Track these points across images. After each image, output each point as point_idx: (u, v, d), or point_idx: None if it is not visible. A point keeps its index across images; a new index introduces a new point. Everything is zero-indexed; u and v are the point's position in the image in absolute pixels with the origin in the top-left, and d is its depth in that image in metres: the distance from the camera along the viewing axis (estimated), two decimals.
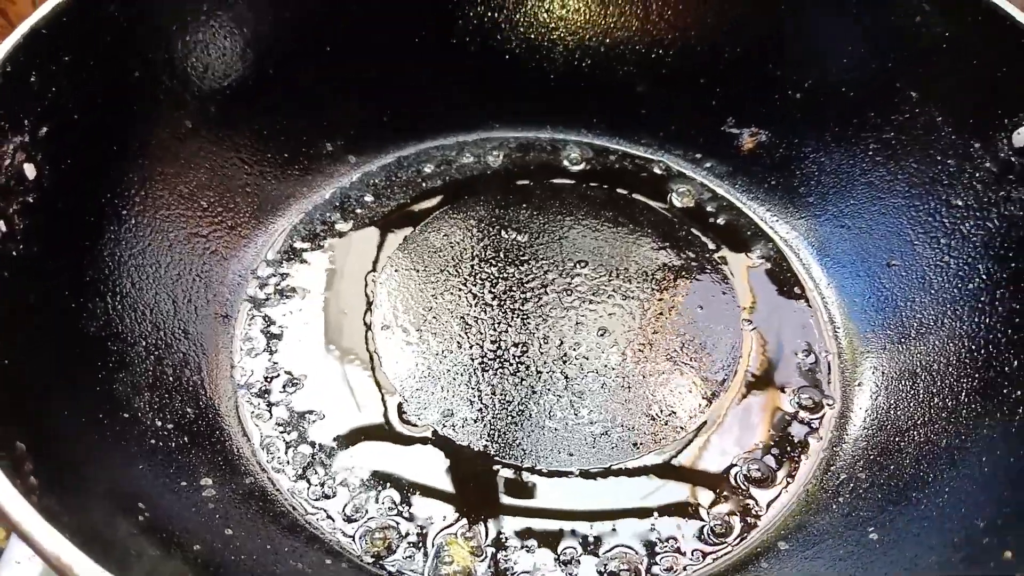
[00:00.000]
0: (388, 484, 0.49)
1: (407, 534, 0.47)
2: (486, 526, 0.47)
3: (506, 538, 0.47)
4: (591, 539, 0.47)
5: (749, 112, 0.66)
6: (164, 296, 0.51)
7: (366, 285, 0.59)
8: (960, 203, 0.54)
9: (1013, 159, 0.50)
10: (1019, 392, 0.45)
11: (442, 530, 0.47)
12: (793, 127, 0.65)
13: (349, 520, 0.47)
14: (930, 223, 0.56)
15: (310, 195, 0.64)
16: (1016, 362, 0.47)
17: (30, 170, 0.43)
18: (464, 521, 0.47)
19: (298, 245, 0.61)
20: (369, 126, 0.66)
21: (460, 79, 0.68)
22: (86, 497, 0.36)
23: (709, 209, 0.66)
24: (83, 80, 0.47)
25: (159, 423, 0.46)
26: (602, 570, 0.46)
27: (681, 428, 0.53)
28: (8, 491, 0.30)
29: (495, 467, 0.50)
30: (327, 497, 0.48)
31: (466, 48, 0.67)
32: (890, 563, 0.42)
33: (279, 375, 0.53)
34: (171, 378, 0.49)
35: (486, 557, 0.46)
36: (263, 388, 0.52)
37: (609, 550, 0.47)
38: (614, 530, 0.48)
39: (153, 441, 0.44)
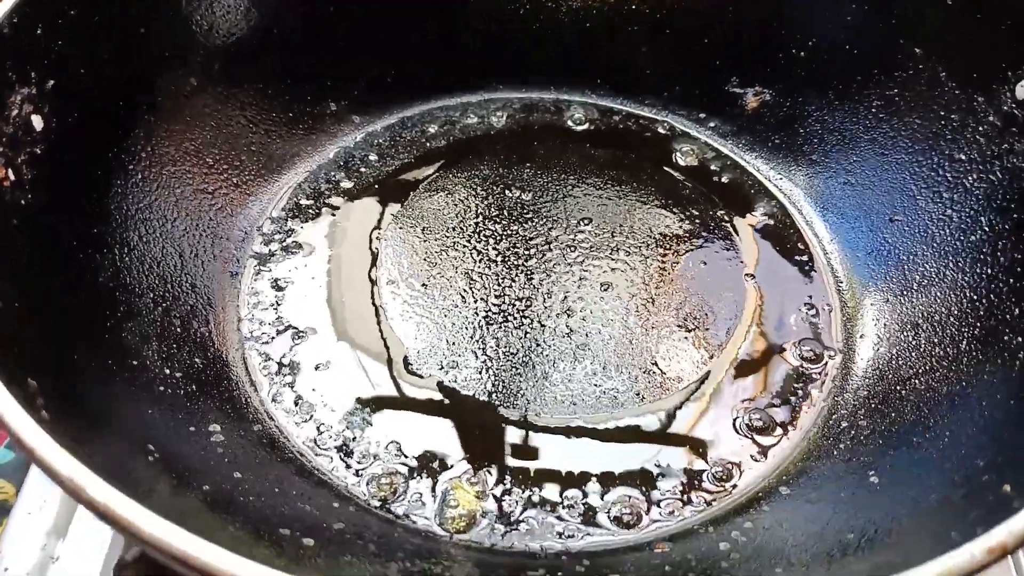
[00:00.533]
0: (394, 432, 0.49)
1: (413, 479, 0.47)
2: (491, 472, 0.48)
3: (510, 483, 0.47)
4: (594, 485, 0.48)
5: (753, 71, 0.66)
6: (171, 250, 0.52)
7: (371, 242, 0.59)
8: (963, 157, 0.54)
9: (1016, 111, 0.50)
10: (1020, 338, 0.46)
11: (446, 473, 0.47)
12: (796, 86, 0.65)
13: (356, 465, 0.48)
14: (933, 178, 0.56)
15: (315, 154, 0.64)
16: (1017, 310, 0.47)
17: (37, 122, 0.44)
18: (469, 467, 0.48)
19: (303, 202, 0.61)
20: (373, 86, 0.66)
21: (464, 40, 0.68)
22: (98, 434, 0.37)
23: (713, 168, 0.66)
24: (88, 35, 0.48)
25: (167, 371, 0.46)
26: (605, 515, 0.47)
27: (684, 379, 0.53)
28: (22, 418, 0.30)
29: (499, 416, 0.50)
30: (334, 444, 0.48)
31: (470, 8, 0.67)
32: (891, 503, 0.42)
33: (286, 328, 0.54)
34: (179, 329, 0.49)
35: (490, 501, 0.47)
36: (270, 340, 0.53)
37: (612, 495, 0.47)
38: (617, 476, 0.48)
39: (162, 388, 0.45)
